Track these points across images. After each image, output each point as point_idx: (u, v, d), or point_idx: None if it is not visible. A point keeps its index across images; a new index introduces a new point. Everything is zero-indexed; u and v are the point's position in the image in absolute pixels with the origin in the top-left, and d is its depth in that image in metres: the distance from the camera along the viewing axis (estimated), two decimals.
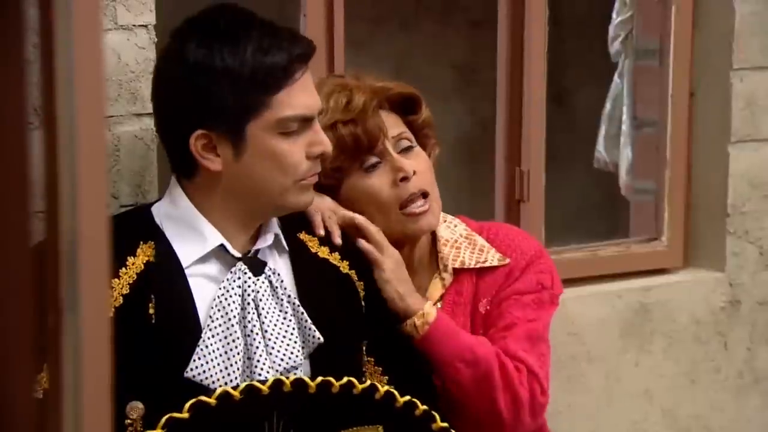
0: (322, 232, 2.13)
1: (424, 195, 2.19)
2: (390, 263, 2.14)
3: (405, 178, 2.17)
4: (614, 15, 3.30)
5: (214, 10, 1.99)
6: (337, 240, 2.13)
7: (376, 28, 4.72)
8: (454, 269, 2.24)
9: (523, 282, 2.22)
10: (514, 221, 2.90)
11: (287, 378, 1.89)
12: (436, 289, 2.25)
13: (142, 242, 1.97)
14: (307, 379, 1.90)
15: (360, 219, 2.16)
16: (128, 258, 1.94)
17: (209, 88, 1.94)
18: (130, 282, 1.93)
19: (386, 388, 1.94)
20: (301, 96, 1.97)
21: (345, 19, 2.68)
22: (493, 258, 2.24)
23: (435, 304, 2.23)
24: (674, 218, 3.14)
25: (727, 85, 3.06)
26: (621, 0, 3.28)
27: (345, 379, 1.91)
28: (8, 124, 0.96)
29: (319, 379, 1.89)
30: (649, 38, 3.20)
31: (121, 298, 1.91)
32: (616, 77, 3.35)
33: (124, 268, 1.93)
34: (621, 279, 3.08)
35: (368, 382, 1.94)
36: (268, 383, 1.87)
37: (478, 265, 2.23)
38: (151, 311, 1.92)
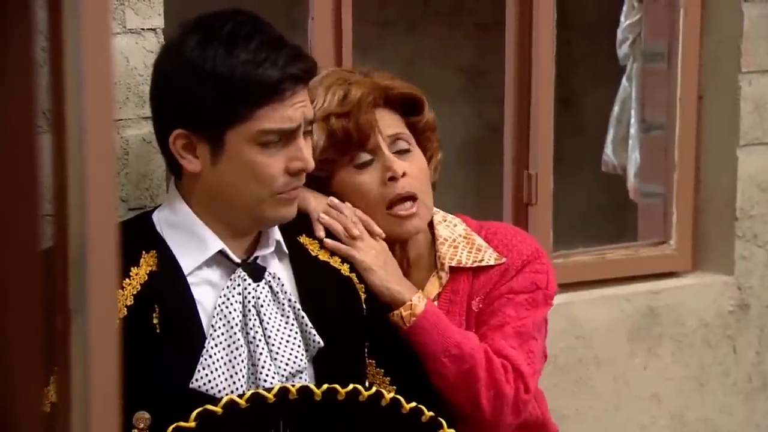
0: (322, 234, 2.13)
1: (412, 198, 2.19)
2: (367, 251, 2.14)
3: (393, 178, 2.17)
4: (622, 18, 3.30)
5: (226, 14, 1.98)
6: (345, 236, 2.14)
7: (383, 31, 4.72)
8: (451, 268, 2.24)
9: (518, 281, 2.23)
10: (522, 224, 2.89)
11: (293, 385, 1.88)
12: (433, 287, 2.26)
13: (144, 252, 1.96)
14: (312, 386, 1.89)
15: (334, 201, 2.16)
16: (132, 269, 1.94)
17: (194, 89, 1.93)
18: (134, 293, 1.92)
19: (392, 394, 1.94)
20: (285, 112, 1.95)
21: (353, 22, 2.69)
22: (489, 257, 2.24)
23: (432, 302, 2.23)
24: (682, 221, 3.14)
25: (736, 88, 3.05)
26: (629, 3, 3.28)
27: (351, 386, 1.90)
28: (17, 128, 0.96)
29: (325, 386, 1.89)
30: (657, 41, 3.19)
31: (125, 309, 1.90)
32: (624, 80, 3.35)
33: (128, 279, 1.93)
34: (629, 282, 3.07)
35: (374, 389, 1.93)
36: (274, 391, 1.86)
37: (474, 264, 2.24)
38: (156, 321, 1.91)
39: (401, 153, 2.19)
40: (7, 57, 0.97)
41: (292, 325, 1.99)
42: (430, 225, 2.28)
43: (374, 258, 2.14)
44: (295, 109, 1.96)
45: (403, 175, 2.17)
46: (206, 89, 1.92)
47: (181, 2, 2.40)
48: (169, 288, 1.95)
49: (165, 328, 1.92)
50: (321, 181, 2.17)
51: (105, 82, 0.98)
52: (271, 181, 1.96)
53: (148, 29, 2.24)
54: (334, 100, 2.15)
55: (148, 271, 1.95)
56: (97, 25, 0.97)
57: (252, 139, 1.94)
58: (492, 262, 2.24)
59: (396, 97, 2.21)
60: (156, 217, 2.03)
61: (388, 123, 2.19)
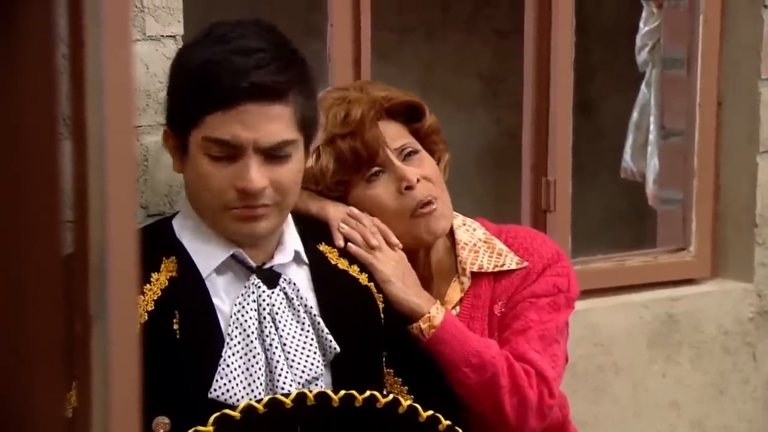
0: (341, 243, 2.13)
1: (432, 202, 2.18)
2: (386, 263, 2.13)
3: (409, 187, 2.16)
4: (641, 24, 3.30)
5: (239, 21, 1.98)
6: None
7: (402, 37, 4.73)
8: (473, 273, 2.24)
9: (540, 285, 2.22)
10: (541, 231, 2.89)
11: (310, 391, 1.88)
12: (455, 292, 2.25)
13: (164, 257, 1.97)
14: (330, 392, 1.89)
15: (353, 211, 2.16)
16: (152, 274, 1.94)
17: (170, 87, 1.98)
18: (155, 298, 1.92)
19: (409, 402, 1.94)
20: (233, 125, 1.88)
21: (372, 29, 2.69)
22: (511, 262, 2.24)
23: (453, 307, 2.23)
24: (702, 228, 3.13)
25: (756, 95, 3.05)
26: (648, 9, 3.28)
27: (368, 393, 1.89)
28: (39, 135, 0.97)
29: (343, 392, 1.88)
30: (676, 47, 3.19)
31: (146, 314, 1.91)
32: (643, 86, 3.35)
33: (148, 284, 1.93)
34: (648, 289, 3.06)
35: (391, 396, 1.93)
36: (292, 396, 1.86)
37: (496, 269, 2.23)
38: (176, 326, 1.92)
39: (409, 156, 2.19)
40: (28, 64, 0.97)
41: (308, 331, 1.99)
42: (450, 230, 2.27)
43: (393, 269, 2.14)
44: (246, 128, 1.88)
45: (418, 181, 2.17)
46: (176, 88, 1.96)
47: (201, 9, 2.41)
48: (190, 294, 1.95)
49: (185, 334, 1.92)
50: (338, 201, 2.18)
51: (125, 89, 0.98)
52: (220, 194, 1.92)
53: (167, 36, 2.25)
54: (336, 122, 2.12)
55: (168, 277, 1.95)
56: (117, 32, 0.97)
57: (200, 146, 1.92)
58: (513, 267, 2.24)
59: (396, 107, 2.20)
60: (175, 222, 2.03)
61: (393, 135, 2.18)
